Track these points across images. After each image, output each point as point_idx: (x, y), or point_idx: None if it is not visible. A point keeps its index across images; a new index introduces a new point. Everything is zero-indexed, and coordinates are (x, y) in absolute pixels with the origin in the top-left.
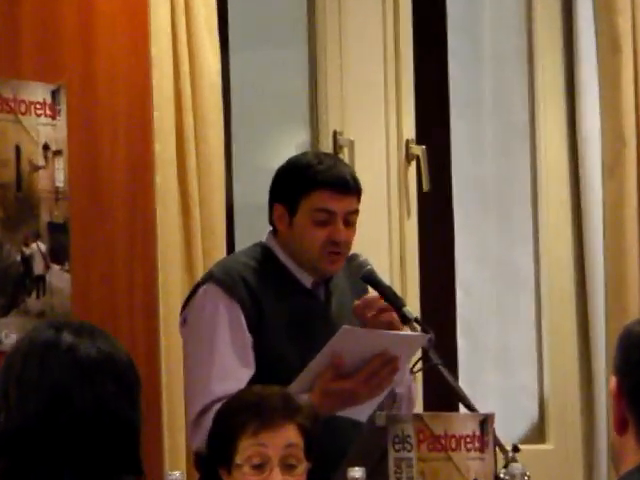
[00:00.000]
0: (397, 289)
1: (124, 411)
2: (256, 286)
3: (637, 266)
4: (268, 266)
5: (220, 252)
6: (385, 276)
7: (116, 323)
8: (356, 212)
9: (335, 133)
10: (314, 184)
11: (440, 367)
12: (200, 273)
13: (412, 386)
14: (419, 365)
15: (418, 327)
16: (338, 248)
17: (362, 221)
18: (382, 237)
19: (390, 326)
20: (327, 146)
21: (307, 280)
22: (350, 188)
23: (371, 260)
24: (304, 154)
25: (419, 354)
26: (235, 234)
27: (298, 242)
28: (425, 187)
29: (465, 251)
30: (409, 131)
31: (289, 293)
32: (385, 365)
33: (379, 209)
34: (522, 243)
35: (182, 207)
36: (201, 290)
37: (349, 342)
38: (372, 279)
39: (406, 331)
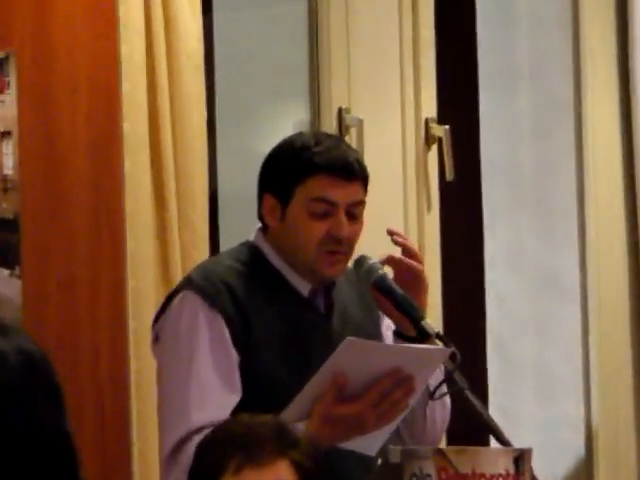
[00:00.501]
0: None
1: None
2: (243, 295)
3: None
4: (257, 270)
5: (202, 253)
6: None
7: (76, 339)
8: (362, 203)
9: (340, 110)
10: (311, 169)
11: (466, 392)
12: (178, 278)
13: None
14: (441, 389)
15: (440, 344)
16: (339, 246)
17: (372, 217)
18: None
19: (416, 280)
20: (330, 126)
21: (304, 287)
22: (354, 173)
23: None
24: (300, 134)
25: (440, 375)
26: (220, 231)
27: (291, 239)
28: (448, 176)
29: (496, 253)
30: (429, 108)
31: (282, 303)
32: (398, 386)
33: (393, 202)
34: (565, 244)
35: (156, 198)
36: (177, 299)
37: (354, 357)
38: (384, 287)
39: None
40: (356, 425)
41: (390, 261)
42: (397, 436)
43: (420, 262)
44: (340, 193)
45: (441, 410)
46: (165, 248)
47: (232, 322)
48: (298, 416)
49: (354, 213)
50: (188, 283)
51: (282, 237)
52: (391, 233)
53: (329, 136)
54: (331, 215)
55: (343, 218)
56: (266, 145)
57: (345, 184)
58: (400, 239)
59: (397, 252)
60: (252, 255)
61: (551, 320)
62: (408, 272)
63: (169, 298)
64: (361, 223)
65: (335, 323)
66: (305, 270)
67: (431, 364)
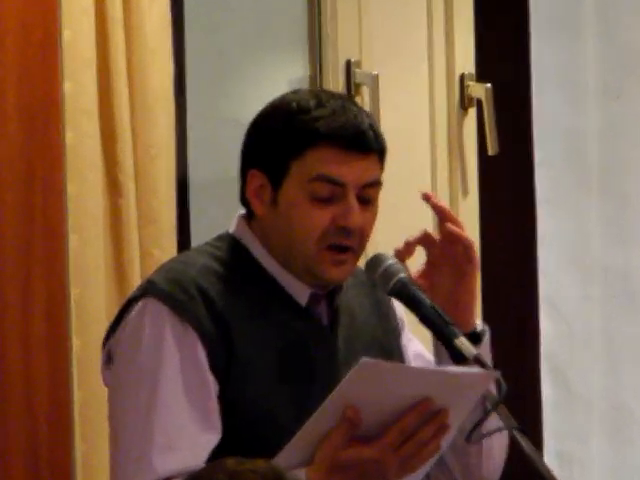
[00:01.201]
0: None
1: None
2: (223, 303)
3: None
4: (240, 271)
5: (167, 251)
6: None
7: (4, 363)
8: (377, 184)
9: (349, 64)
10: (311, 138)
11: (515, 432)
12: (136, 284)
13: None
14: (481, 429)
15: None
16: (348, 240)
17: (390, 203)
18: (423, 225)
19: (464, 260)
20: (337, 84)
21: (301, 293)
22: (368, 144)
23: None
24: (296, 93)
25: (479, 410)
26: (191, 224)
27: (284, 230)
28: (491, 149)
29: (553, 250)
30: (466, 61)
31: (273, 314)
32: (427, 422)
33: (417, 184)
34: None
35: (107, 180)
36: (135, 310)
37: (370, 384)
38: (406, 294)
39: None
40: (373, 474)
41: (426, 240)
42: (443, 472)
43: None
44: (350, 170)
45: (499, 438)
46: (119, 245)
47: (209, 339)
48: (297, 461)
49: (368, 197)
50: (150, 288)
51: (272, 227)
52: (427, 197)
53: (335, 96)
54: (338, 199)
55: (354, 203)
56: (252, 112)
57: (357, 158)
58: (439, 203)
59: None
60: (233, 251)
61: (624, 338)
62: (449, 253)
63: (125, 308)
64: (376, 210)
65: (342, 338)
66: (302, 271)
67: (470, 393)
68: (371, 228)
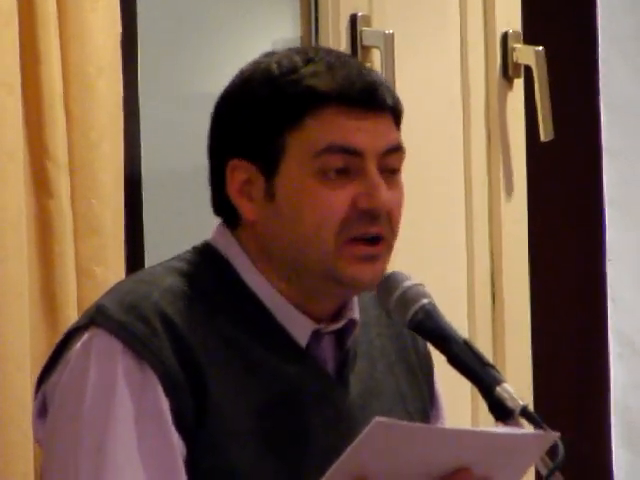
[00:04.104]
0: (484, 346)
1: None
2: (194, 338)
3: None
4: (220, 295)
5: (113, 267)
6: (461, 317)
7: None
8: (401, 150)
9: (354, 20)
10: (310, 99)
11: None
12: (71, 313)
13: None
14: None
15: (529, 427)
16: (377, 226)
17: (411, 206)
18: (454, 235)
19: None
20: (337, 47)
21: (301, 328)
22: (383, 99)
23: (431, 288)
24: (269, 55)
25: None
26: (144, 231)
27: (289, 230)
28: (544, 134)
29: (625, 268)
30: (510, 17)
31: (262, 355)
32: None
33: (445, 179)
34: None
35: (33, 175)
36: (79, 344)
37: (388, 451)
38: (430, 327)
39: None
40: None
41: None
42: None
43: None
44: (366, 134)
45: None
46: (48, 262)
47: (174, 386)
48: None
49: (391, 165)
50: (98, 315)
51: (271, 231)
52: None
53: (326, 50)
54: (355, 174)
55: (377, 177)
56: (222, 83)
57: (371, 118)
58: None
59: (442, 265)
60: (212, 268)
61: None
62: None
63: (63, 342)
64: (402, 187)
65: (356, 393)
66: (319, 280)
67: (520, 459)
68: (400, 209)
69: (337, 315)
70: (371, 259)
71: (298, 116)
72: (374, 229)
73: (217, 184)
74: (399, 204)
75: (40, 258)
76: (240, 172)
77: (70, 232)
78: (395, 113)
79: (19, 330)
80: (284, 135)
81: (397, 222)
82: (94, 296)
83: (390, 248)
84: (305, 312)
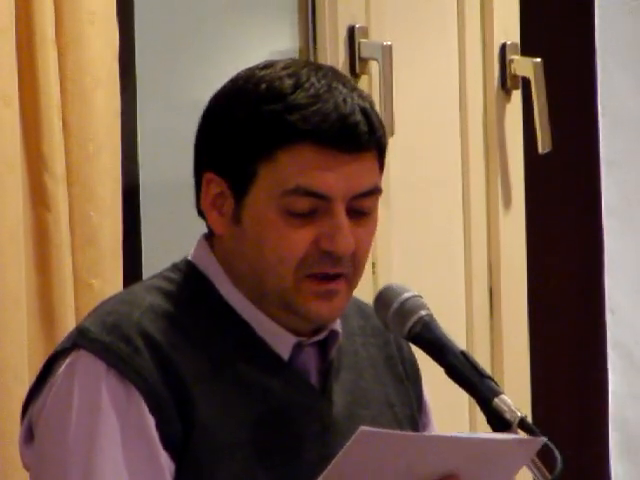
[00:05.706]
0: (482, 357)
1: None
2: (178, 355)
3: None
4: (200, 312)
5: (110, 280)
6: (459, 329)
7: None
8: (375, 192)
9: (352, 32)
10: (286, 135)
11: None
12: (69, 327)
13: None
14: None
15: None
16: (337, 267)
17: (408, 217)
18: (452, 247)
19: None
20: (335, 59)
21: (283, 341)
22: (361, 141)
23: (429, 299)
24: (267, 67)
25: None
26: (142, 243)
27: (251, 256)
28: (542, 146)
29: (624, 280)
30: (509, 29)
31: (245, 370)
32: None
33: (444, 192)
34: None
35: (30, 186)
36: (63, 367)
37: (374, 460)
38: (430, 339)
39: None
40: None
41: None
42: None
43: None
44: (337, 177)
45: None
46: (47, 273)
47: (159, 404)
48: None
49: (362, 209)
50: (81, 338)
51: (235, 250)
52: None
53: (320, 70)
54: (322, 213)
55: (342, 220)
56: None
57: (346, 160)
58: None
59: (440, 276)
60: (191, 285)
61: None
62: None
63: (48, 364)
64: (374, 223)
65: (341, 404)
66: (279, 309)
67: (507, 464)
68: (368, 248)
69: (318, 327)
70: (329, 295)
71: (272, 147)
72: (334, 270)
73: (197, 194)
74: (366, 243)
75: (38, 270)
76: (214, 185)
77: (68, 244)
78: (378, 150)
79: (17, 341)
80: (256, 162)
81: (361, 262)
82: (91, 308)
83: (351, 285)
84: (285, 325)
